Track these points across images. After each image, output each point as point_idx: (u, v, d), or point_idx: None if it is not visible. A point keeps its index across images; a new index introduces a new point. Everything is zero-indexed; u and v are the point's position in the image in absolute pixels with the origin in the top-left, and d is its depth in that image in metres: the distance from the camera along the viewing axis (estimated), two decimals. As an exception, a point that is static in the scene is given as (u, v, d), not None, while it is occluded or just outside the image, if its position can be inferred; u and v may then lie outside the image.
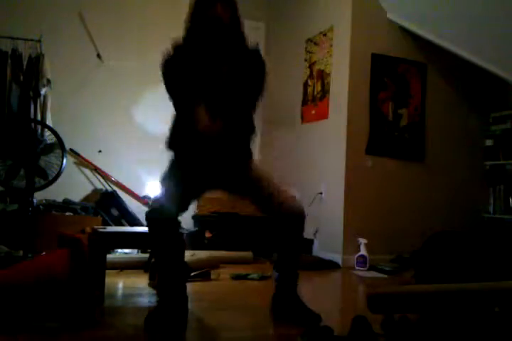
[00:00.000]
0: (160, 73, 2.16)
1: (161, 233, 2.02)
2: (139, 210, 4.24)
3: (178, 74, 2.10)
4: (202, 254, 3.56)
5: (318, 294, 3.01)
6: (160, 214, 2.01)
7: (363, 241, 3.84)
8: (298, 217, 2.14)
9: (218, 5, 2.08)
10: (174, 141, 2.19)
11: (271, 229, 2.24)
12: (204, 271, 3.10)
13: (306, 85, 4.66)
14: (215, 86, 2.10)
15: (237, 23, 2.16)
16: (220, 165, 2.17)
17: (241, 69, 2.13)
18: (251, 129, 2.21)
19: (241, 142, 2.20)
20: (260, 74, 2.18)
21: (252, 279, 3.18)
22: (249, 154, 2.24)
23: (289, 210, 2.12)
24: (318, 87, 4.47)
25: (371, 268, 3.78)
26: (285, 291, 2.19)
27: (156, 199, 2.14)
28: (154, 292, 2.64)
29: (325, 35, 4.41)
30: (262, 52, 2.25)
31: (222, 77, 2.11)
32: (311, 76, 4.59)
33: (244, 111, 2.16)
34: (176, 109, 2.18)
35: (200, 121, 2.01)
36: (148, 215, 2.04)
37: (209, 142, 2.08)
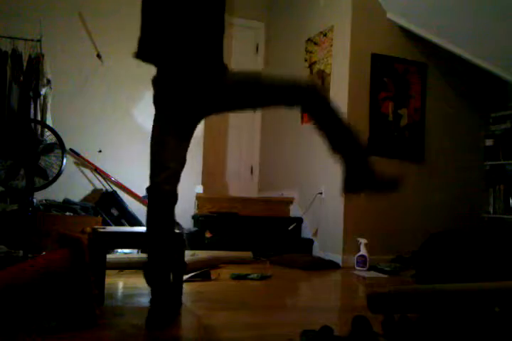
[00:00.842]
0: None
1: (159, 208, 2.03)
2: (139, 210, 4.24)
3: None
4: (202, 254, 3.56)
5: (318, 294, 3.01)
6: (161, 188, 2.01)
7: (363, 241, 3.84)
8: (310, 89, 2.02)
9: None
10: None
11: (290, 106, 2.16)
12: (204, 271, 3.10)
13: (306, 85, 4.65)
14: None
15: None
16: (196, 80, 2.07)
17: None
18: (221, 29, 2.12)
19: (211, 46, 2.10)
20: None
21: (252, 279, 3.18)
22: (221, 61, 2.13)
23: (303, 84, 2.04)
24: (318, 87, 4.47)
25: (371, 268, 3.78)
26: (356, 168, 2.09)
27: (154, 172, 2.08)
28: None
29: (325, 35, 4.42)
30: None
31: None
32: (311, 76, 4.59)
33: (210, 10, 2.09)
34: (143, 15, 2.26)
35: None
36: (149, 189, 2.04)
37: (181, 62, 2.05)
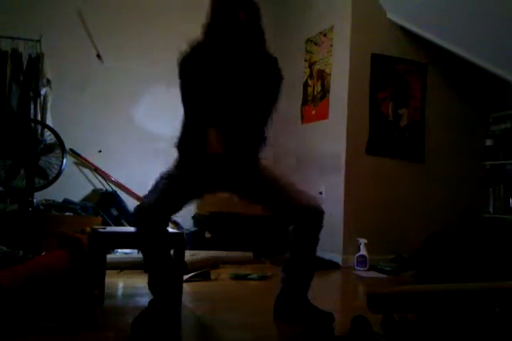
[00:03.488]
0: (177, 71, 2.11)
1: (149, 232, 1.97)
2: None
3: (195, 80, 2.06)
4: (202, 254, 3.56)
5: (318, 294, 3.01)
6: (150, 212, 1.96)
7: (362, 241, 3.84)
8: (319, 213, 2.15)
9: (241, 11, 2.04)
10: (183, 146, 2.13)
11: (287, 226, 2.20)
12: (204, 271, 3.10)
13: (306, 85, 4.66)
14: (230, 95, 2.06)
15: (258, 30, 2.12)
16: (225, 170, 2.12)
17: (258, 78, 2.11)
18: (262, 139, 2.19)
19: (250, 152, 2.16)
20: (276, 83, 2.18)
21: (252, 279, 3.18)
22: (255, 159, 2.19)
23: (310, 206, 2.14)
24: (318, 87, 4.47)
25: (371, 268, 3.78)
26: (295, 292, 2.16)
27: (146, 197, 2.07)
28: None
29: (325, 35, 4.41)
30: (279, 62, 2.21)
31: (239, 85, 2.08)
32: (311, 76, 4.59)
33: (258, 123, 2.15)
34: (186, 113, 2.13)
35: (210, 143, 2.02)
36: (136, 213, 2.00)
37: (216, 158, 2.07)
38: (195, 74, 2.06)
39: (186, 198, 2.13)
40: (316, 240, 2.21)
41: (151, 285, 2.05)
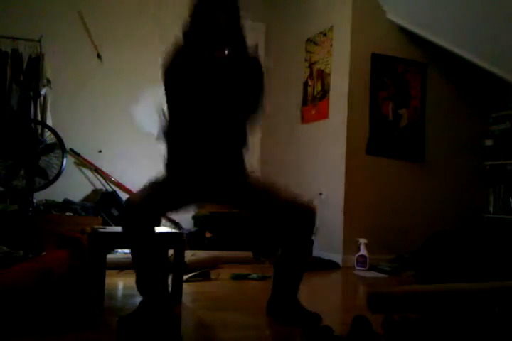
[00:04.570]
0: (160, 73, 2.14)
1: (135, 229, 1.92)
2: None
3: (178, 82, 2.08)
4: (202, 254, 3.56)
5: (318, 294, 3.01)
6: (138, 208, 1.91)
7: (363, 241, 3.84)
8: (311, 212, 2.13)
9: (220, 13, 2.04)
10: (170, 143, 2.15)
11: (280, 225, 2.18)
12: (204, 271, 3.10)
13: (306, 85, 4.66)
14: (212, 96, 2.07)
15: (238, 30, 2.11)
16: (212, 177, 2.10)
17: (239, 80, 2.10)
18: (243, 142, 2.17)
19: (233, 155, 2.16)
20: (258, 84, 2.14)
21: (252, 279, 3.18)
22: (242, 167, 2.19)
23: (303, 206, 2.12)
24: (318, 87, 4.47)
25: (371, 268, 3.78)
26: (284, 293, 2.17)
27: (139, 193, 2.04)
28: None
29: (325, 35, 4.41)
30: (261, 59, 2.20)
31: (220, 87, 2.07)
32: (311, 76, 4.59)
33: (239, 124, 2.13)
34: (170, 112, 2.15)
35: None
36: (124, 208, 1.97)
37: (203, 151, 2.07)
38: (178, 82, 2.08)
39: (176, 201, 2.10)
40: (308, 241, 2.19)
41: (138, 285, 2.01)
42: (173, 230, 3.03)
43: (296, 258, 2.17)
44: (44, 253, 2.89)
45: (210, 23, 2.05)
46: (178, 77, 2.08)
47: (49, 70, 4.21)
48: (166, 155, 2.15)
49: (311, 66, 4.61)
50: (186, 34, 2.10)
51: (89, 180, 4.53)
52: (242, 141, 2.17)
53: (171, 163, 2.14)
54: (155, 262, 1.98)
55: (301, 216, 2.11)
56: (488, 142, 4.47)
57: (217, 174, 2.11)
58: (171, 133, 2.15)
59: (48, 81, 4.20)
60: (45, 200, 4.02)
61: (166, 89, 2.12)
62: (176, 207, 2.14)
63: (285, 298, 2.16)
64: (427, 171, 4.30)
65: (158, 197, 2.00)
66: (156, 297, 1.98)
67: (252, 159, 5.51)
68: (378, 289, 1.83)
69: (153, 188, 2.05)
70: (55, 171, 3.60)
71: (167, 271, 2.18)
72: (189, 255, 3.22)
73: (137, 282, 2.01)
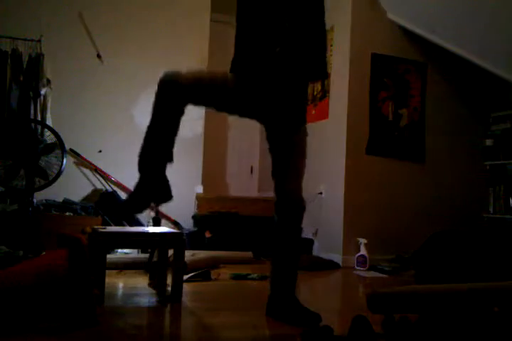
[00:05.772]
0: None
1: (164, 98, 2.01)
2: (139, 210, 4.23)
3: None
4: (202, 254, 3.56)
5: (318, 294, 3.01)
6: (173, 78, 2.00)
7: (363, 241, 3.84)
8: (299, 205, 2.18)
9: None
10: (240, 57, 2.12)
11: (273, 221, 2.27)
12: (204, 271, 3.10)
13: (306, 85, 4.65)
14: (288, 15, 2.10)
15: None
16: (274, 99, 2.12)
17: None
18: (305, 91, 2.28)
19: (301, 95, 2.20)
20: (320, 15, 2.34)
21: (252, 279, 3.18)
22: (303, 118, 2.23)
23: (295, 198, 2.18)
24: (318, 87, 4.47)
25: (371, 268, 3.78)
26: (281, 291, 2.18)
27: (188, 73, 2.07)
28: (154, 292, 2.64)
29: (325, 35, 4.41)
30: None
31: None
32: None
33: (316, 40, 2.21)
34: (241, 24, 2.14)
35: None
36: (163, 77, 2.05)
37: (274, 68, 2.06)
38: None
39: (222, 100, 2.11)
40: (297, 236, 2.23)
41: (141, 161, 2.17)
42: (173, 230, 3.03)
43: (287, 254, 2.21)
44: (44, 253, 2.89)
45: None
46: None
47: (49, 70, 4.21)
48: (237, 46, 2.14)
49: (311, 66, 4.60)
50: None
51: (89, 180, 4.53)
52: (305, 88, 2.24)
53: (241, 60, 2.12)
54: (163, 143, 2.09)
55: (291, 207, 2.18)
56: (488, 142, 4.47)
57: (280, 99, 2.13)
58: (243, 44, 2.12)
59: (48, 81, 4.20)
60: (45, 200, 4.02)
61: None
62: (220, 105, 2.15)
63: (283, 296, 2.16)
64: (427, 171, 4.30)
65: (204, 83, 2.03)
66: (154, 176, 2.10)
67: (252, 159, 5.51)
68: (378, 289, 1.83)
69: (211, 79, 2.07)
70: (55, 171, 3.60)
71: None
72: (189, 255, 3.22)
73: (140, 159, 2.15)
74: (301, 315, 2.07)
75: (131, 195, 2.06)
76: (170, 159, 2.09)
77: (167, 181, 2.09)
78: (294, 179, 2.22)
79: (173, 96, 2.00)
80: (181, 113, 2.03)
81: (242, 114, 2.23)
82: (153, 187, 2.05)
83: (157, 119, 2.05)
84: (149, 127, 2.08)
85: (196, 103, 2.10)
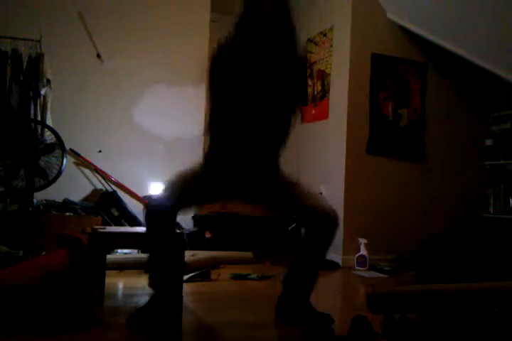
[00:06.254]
0: (207, 70, 2.16)
1: (158, 227, 2.03)
2: (139, 210, 4.24)
3: (222, 79, 2.10)
4: (202, 254, 3.56)
5: (318, 294, 3.01)
6: (159, 207, 2.02)
7: (363, 241, 3.84)
8: (333, 218, 2.15)
9: (267, 2, 2.06)
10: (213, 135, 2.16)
11: (304, 226, 2.22)
12: (204, 271, 3.10)
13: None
14: (255, 95, 2.08)
15: (289, 29, 2.17)
16: (247, 172, 2.14)
17: (283, 76, 2.11)
18: (282, 141, 2.25)
19: (270, 154, 2.22)
20: (301, 90, 2.23)
21: (252, 279, 3.18)
22: (276, 166, 2.25)
23: (326, 210, 2.15)
24: (318, 87, 4.47)
25: (371, 268, 3.78)
26: (297, 294, 2.16)
27: (161, 193, 2.11)
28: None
29: (325, 35, 4.41)
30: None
31: (263, 86, 2.09)
32: (311, 76, 4.59)
33: (281, 121, 2.18)
34: (213, 108, 2.16)
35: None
36: (148, 208, 2.06)
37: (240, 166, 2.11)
38: (222, 76, 2.09)
39: (207, 192, 2.13)
40: (327, 245, 2.21)
41: (153, 284, 2.09)
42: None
43: (313, 262, 2.20)
44: (44, 253, 2.89)
45: (260, 19, 2.06)
46: (223, 71, 2.09)
47: (49, 70, 4.21)
48: (208, 146, 2.19)
49: (311, 66, 4.61)
50: (235, 27, 2.10)
51: (89, 180, 4.53)
52: (282, 141, 2.24)
53: (211, 153, 2.17)
54: (170, 260, 2.09)
55: (325, 223, 2.13)
56: (488, 142, 4.47)
57: (253, 171, 2.15)
58: (214, 124, 2.16)
59: (48, 81, 4.20)
60: (45, 200, 4.01)
61: (211, 83, 2.14)
62: (204, 199, 2.20)
63: (298, 300, 2.14)
64: (427, 171, 4.30)
65: (184, 190, 2.06)
66: (168, 293, 2.07)
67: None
68: (378, 289, 1.83)
69: (184, 179, 2.10)
70: (55, 171, 3.60)
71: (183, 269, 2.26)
72: (189, 255, 3.22)
73: (151, 277, 2.10)
74: (313, 316, 2.07)
75: (141, 309, 2.04)
76: (183, 268, 2.21)
77: (181, 297, 2.19)
78: (313, 197, 2.22)
79: (164, 220, 2.04)
80: (174, 224, 2.10)
81: (224, 195, 2.25)
82: (166, 304, 2.06)
83: (156, 240, 2.08)
84: (150, 245, 2.13)
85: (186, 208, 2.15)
